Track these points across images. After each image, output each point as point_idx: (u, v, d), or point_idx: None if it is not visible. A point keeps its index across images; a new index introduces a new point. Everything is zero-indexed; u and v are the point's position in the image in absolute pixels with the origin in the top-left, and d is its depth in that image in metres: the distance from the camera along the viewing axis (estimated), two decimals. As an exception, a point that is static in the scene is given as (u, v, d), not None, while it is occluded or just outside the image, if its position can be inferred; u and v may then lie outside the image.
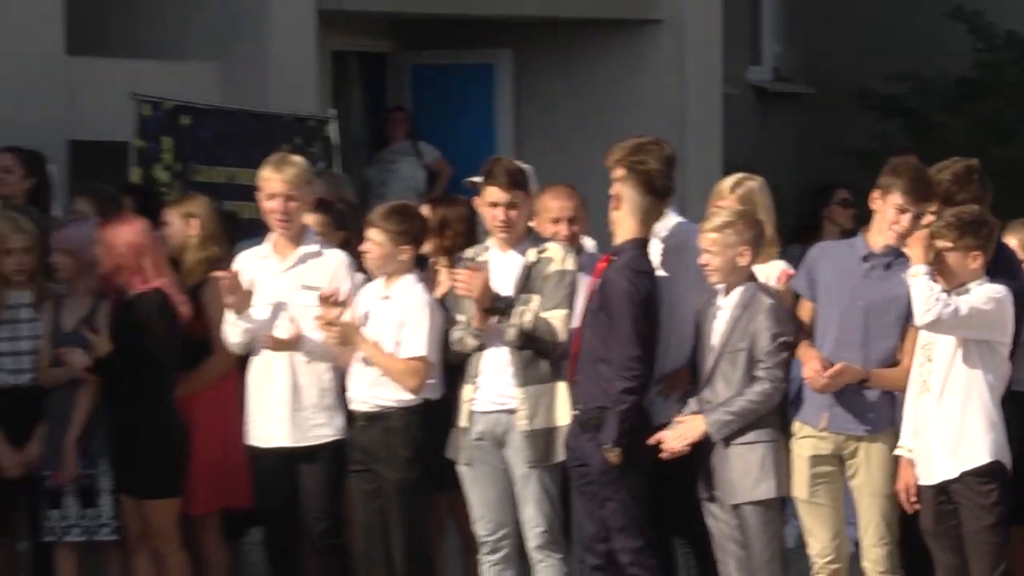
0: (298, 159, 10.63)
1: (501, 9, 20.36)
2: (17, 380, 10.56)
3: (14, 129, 14.61)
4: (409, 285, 10.11)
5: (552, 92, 20.78)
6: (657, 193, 9.57)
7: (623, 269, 9.50)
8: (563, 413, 9.81)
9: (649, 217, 9.59)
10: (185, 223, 10.73)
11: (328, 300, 9.96)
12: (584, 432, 9.57)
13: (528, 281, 9.86)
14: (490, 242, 10.06)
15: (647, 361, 9.47)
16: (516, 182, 9.95)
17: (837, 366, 9.40)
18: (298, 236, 10.33)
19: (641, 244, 9.59)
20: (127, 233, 10.40)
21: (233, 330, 10.24)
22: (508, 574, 10.04)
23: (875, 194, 9.68)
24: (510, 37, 20.99)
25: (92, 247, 10.43)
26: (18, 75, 16.66)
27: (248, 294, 10.12)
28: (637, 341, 9.41)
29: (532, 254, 9.92)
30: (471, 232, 10.60)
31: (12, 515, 10.86)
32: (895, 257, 9.52)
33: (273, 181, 10.24)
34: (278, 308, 10.23)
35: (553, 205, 10.22)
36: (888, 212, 9.56)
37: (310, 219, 10.47)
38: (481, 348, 9.94)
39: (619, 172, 9.60)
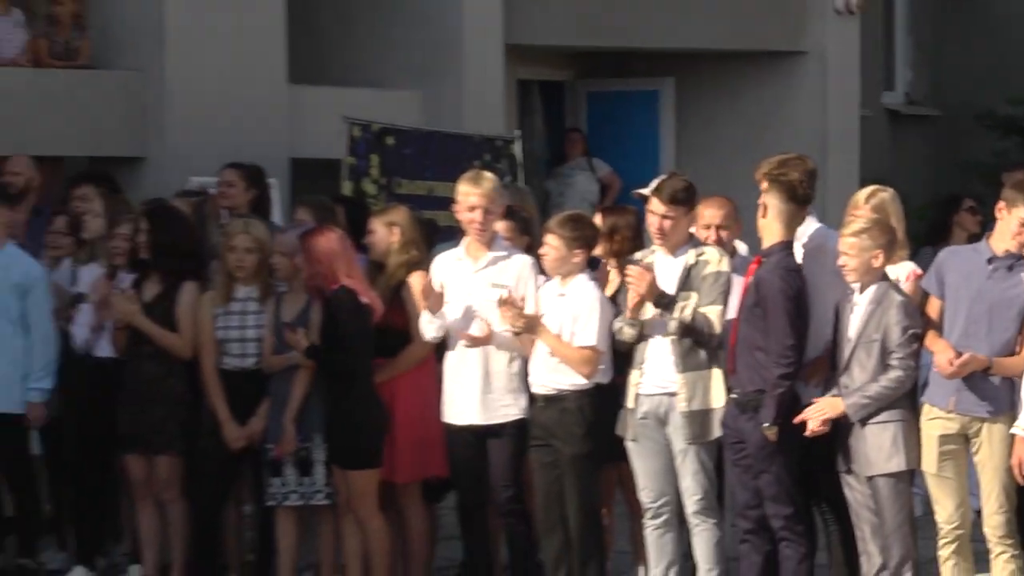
0: (490, 175, 10.69)
1: (665, 42, 20.35)
2: (243, 364, 10.71)
3: (243, 148, 14.76)
4: (582, 284, 10.17)
5: (709, 115, 20.72)
6: (799, 201, 9.60)
7: (776, 268, 9.53)
8: (718, 396, 9.82)
9: (792, 222, 9.62)
10: (388, 231, 10.80)
11: (508, 302, 10.05)
12: (742, 413, 9.59)
13: (688, 280, 9.85)
14: (656, 246, 10.08)
15: (799, 350, 9.50)
16: (676, 199, 9.92)
17: (964, 356, 9.38)
18: (489, 241, 10.41)
19: (787, 246, 9.62)
20: (322, 242, 10.52)
21: (428, 326, 10.34)
22: (668, 536, 10.05)
23: (1000, 205, 9.67)
24: (673, 67, 20.94)
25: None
26: (247, 100, 16.82)
27: (440, 296, 10.23)
28: (791, 332, 9.44)
29: (692, 256, 9.91)
30: (637, 237, 10.61)
31: (238, 482, 11.01)
32: (1016, 260, 9.51)
33: (470, 194, 10.33)
34: (470, 305, 10.30)
35: (706, 213, 10.25)
36: (1012, 223, 9.55)
37: (499, 226, 10.54)
38: (644, 338, 9.94)
39: (766, 184, 9.64)
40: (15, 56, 16.58)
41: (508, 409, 10.33)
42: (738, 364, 9.65)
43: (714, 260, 9.91)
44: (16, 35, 16.75)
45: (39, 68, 16.72)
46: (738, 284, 9.82)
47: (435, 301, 10.24)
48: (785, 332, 9.46)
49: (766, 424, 9.43)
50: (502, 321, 10.15)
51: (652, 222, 10.00)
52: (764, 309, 9.51)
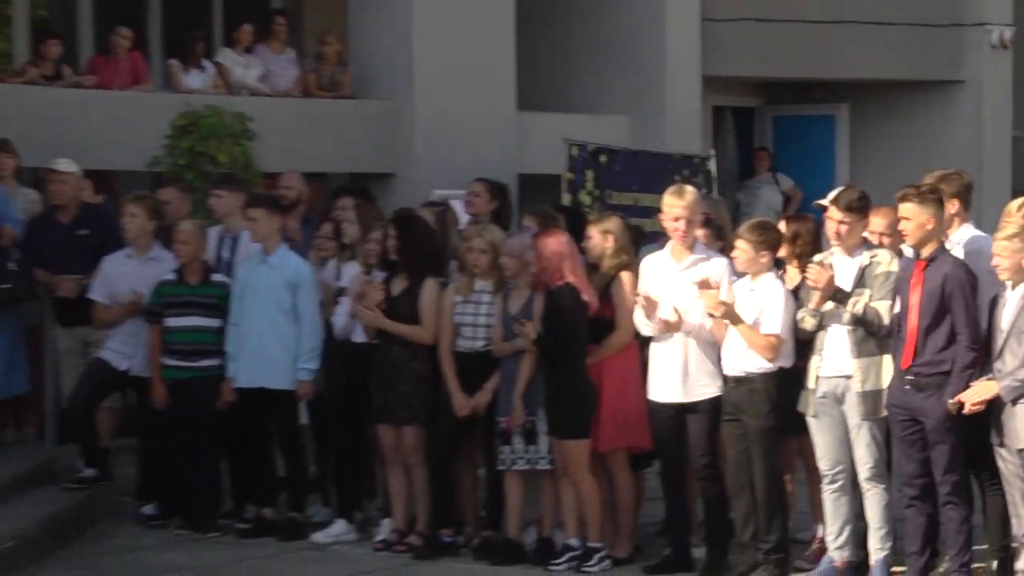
0: (691, 188, 10.62)
1: (841, 73, 20.30)
2: (473, 346, 10.73)
3: (478, 165, 14.82)
4: (769, 281, 10.09)
5: (879, 136, 20.52)
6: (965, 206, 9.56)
7: (959, 267, 9.45)
8: (887, 379, 9.70)
9: (945, 230, 9.62)
10: (603, 237, 10.78)
11: (706, 284, 10.00)
12: (920, 392, 9.45)
13: (862, 279, 9.76)
14: (835, 249, 9.99)
15: (980, 337, 9.39)
16: (852, 207, 9.85)
17: None
18: (691, 245, 10.37)
19: (945, 250, 9.53)
20: (553, 243, 10.54)
21: (644, 326, 10.34)
22: (843, 499, 9.94)
23: None
24: (848, 94, 20.80)
25: (529, 253, 10.58)
26: (481, 125, 16.91)
27: (655, 304, 10.22)
28: (975, 322, 9.34)
29: (866, 258, 9.82)
30: (816, 241, 10.51)
31: (471, 449, 11.04)
32: None
33: (675, 206, 10.30)
34: (672, 300, 10.25)
35: (873, 221, 10.14)
36: None
37: (698, 233, 10.49)
38: (823, 328, 9.85)
39: (926, 195, 9.57)
40: (289, 88, 16.84)
41: (705, 389, 10.27)
42: (920, 350, 9.49)
43: (885, 261, 9.82)
44: (290, 70, 17.01)
45: (308, 98, 16.96)
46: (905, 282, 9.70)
47: (651, 307, 10.23)
48: (972, 322, 9.35)
49: (951, 401, 9.29)
50: (702, 311, 10.10)
51: (830, 227, 9.93)
52: (951, 302, 9.38)
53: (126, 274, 11.82)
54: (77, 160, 12.78)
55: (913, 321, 9.49)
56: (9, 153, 13.09)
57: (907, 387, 9.52)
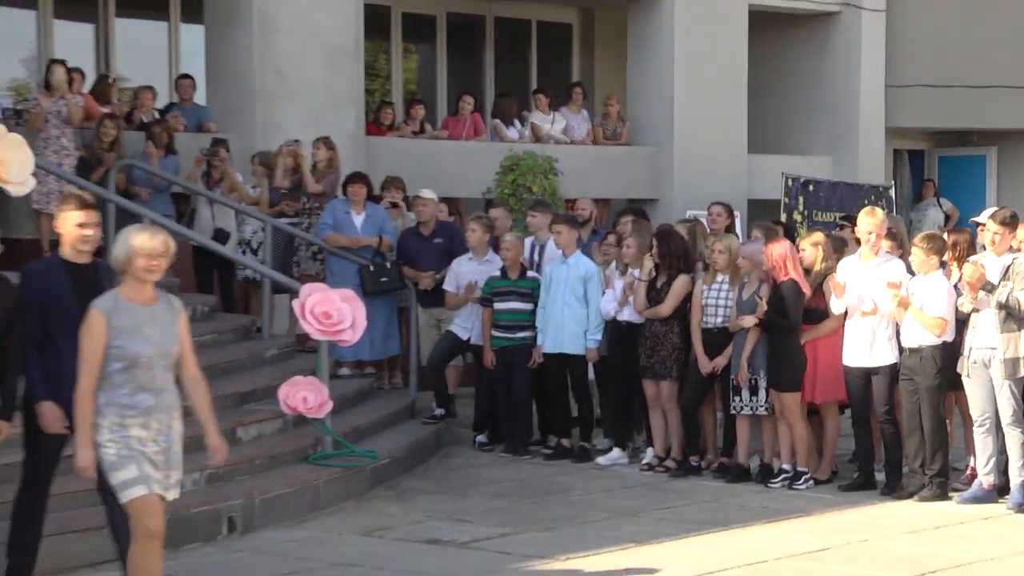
0: (880, 210, 10.43)
1: (990, 124, 19.72)
2: (714, 322, 10.47)
3: (719, 192, 14.69)
4: (937, 277, 9.75)
5: (1020, 172, 19.90)
6: None
7: None
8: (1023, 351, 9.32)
9: None
10: (814, 247, 10.51)
11: (893, 285, 9.70)
12: None
13: (1007, 275, 9.38)
14: (987, 252, 9.64)
15: None
16: (1004, 222, 9.59)
17: None
18: (877, 251, 10.06)
19: None
20: (779, 248, 10.30)
21: (837, 306, 10.03)
22: (990, 439, 9.53)
23: None
24: (996, 139, 20.20)
25: (759, 256, 10.37)
26: (721, 163, 16.93)
27: (843, 288, 9.92)
28: None
29: (1009, 259, 9.46)
30: (971, 248, 10.18)
31: (708, 396, 10.80)
32: None
33: (868, 223, 10.02)
34: (863, 292, 9.93)
35: (1020, 232, 9.78)
36: None
37: (884, 243, 10.17)
38: (976, 311, 9.47)
39: None
40: (583, 138, 16.91)
41: (886, 356, 9.93)
42: None
43: None
44: (583, 125, 17.08)
45: (597, 145, 16.99)
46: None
47: (839, 291, 9.93)
48: None
49: None
50: (887, 299, 9.76)
51: (986, 237, 9.68)
52: None
53: (468, 271, 11.89)
54: (435, 190, 12.94)
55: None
56: (399, 189, 13.22)
57: None
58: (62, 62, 13.16)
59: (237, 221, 13.00)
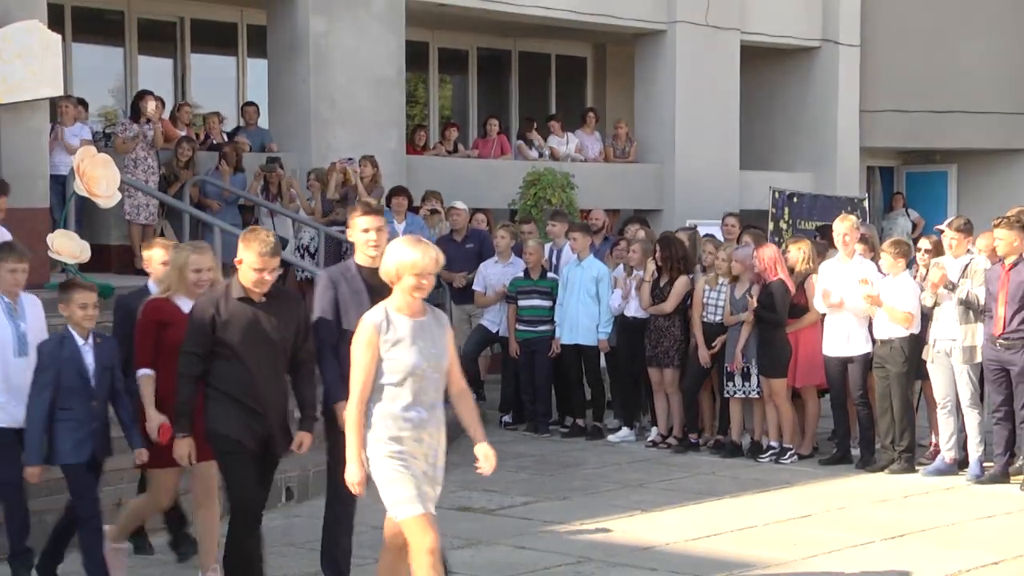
0: (852, 217, 10.33)
1: (952, 144, 19.61)
2: (714, 317, 10.37)
3: (714, 204, 14.64)
4: (904, 277, 9.67)
5: (977, 187, 19.73)
6: None
7: None
8: (980, 339, 9.21)
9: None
10: (798, 251, 10.44)
11: (863, 281, 9.63)
12: (1008, 350, 8.94)
13: (964, 272, 9.31)
14: (949, 254, 9.56)
15: None
16: (960, 229, 9.51)
17: None
18: (852, 254, 9.97)
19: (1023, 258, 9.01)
20: (768, 251, 10.25)
21: (821, 308, 9.96)
22: (951, 419, 9.45)
23: None
24: (957, 158, 20.05)
25: (750, 260, 10.30)
26: (715, 179, 16.81)
27: (829, 294, 9.83)
28: None
29: (966, 259, 9.41)
30: (939, 252, 10.03)
31: (706, 382, 10.70)
32: None
33: (842, 227, 9.95)
34: (839, 291, 9.85)
35: (978, 242, 9.70)
36: None
37: (858, 247, 10.07)
38: (938, 305, 9.40)
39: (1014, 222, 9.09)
40: (596, 157, 16.83)
41: (861, 346, 9.86)
42: (1008, 325, 8.94)
43: (980, 264, 9.35)
44: (596, 145, 17.05)
45: (608, 163, 16.91)
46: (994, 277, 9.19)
47: (826, 298, 9.84)
48: None
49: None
50: (858, 296, 9.69)
51: (945, 242, 9.59)
52: None
53: (495, 273, 11.86)
54: (466, 202, 12.92)
55: (1002, 306, 8.98)
56: (437, 199, 13.30)
57: (998, 347, 9.03)
58: (150, 93, 13.21)
59: (294, 229, 13.03)
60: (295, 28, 14.26)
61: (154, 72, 15.57)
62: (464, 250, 12.38)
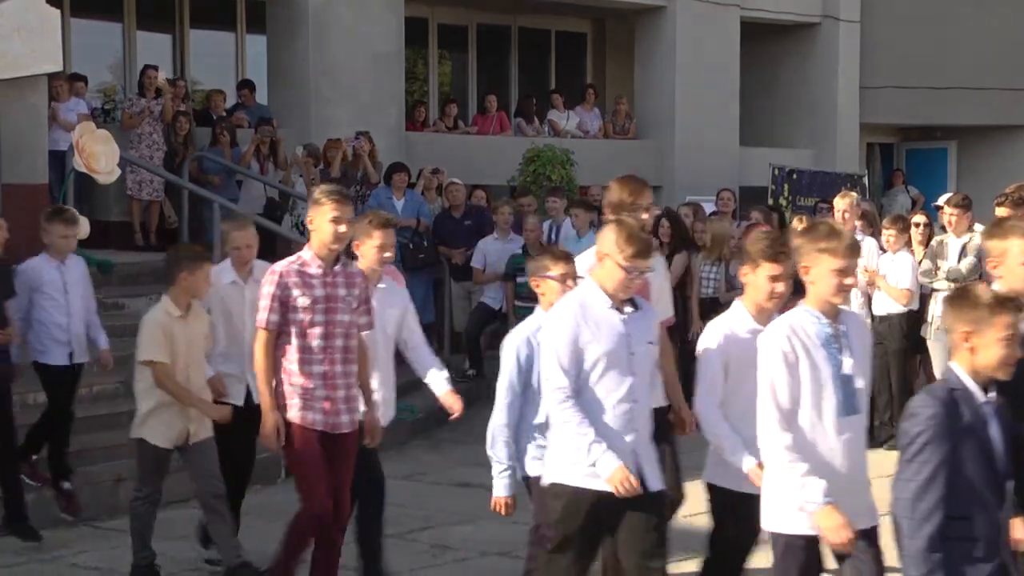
0: (853, 194, 10.33)
1: (951, 121, 19.53)
2: (707, 292, 10.41)
3: (714, 180, 14.58)
4: (903, 255, 9.71)
5: (977, 162, 19.70)
6: None
7: None
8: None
9: None
10: (800, 224, 10.46)
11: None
12: None
13: (963, 250, 9.32)
14: (949, 232, 9.55)
15: None
16: (959, 205, 9.48)
17: None
18: (851, 230, 9.96)
19: None
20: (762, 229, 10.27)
21: None
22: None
23: None
24: (957, 134, 20.05)
25: (729, 232, 10.31)
26: (717, 155, 16.74)
27: None
28: None
29: (968, 237, 9.39)
30: (931, 231, 10.08)
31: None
32: None
33: (842, 204, 9.95)
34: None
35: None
36: None
37: (856, 223, 10.05)
38: (934, 291, 9.43)
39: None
40: (595, 133, 16.77)
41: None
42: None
43: (979, 239, 9.33)
44: (596, 122, 16.98)
45: (607, 139, 16.86)
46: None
47: None
48: None
49: None
50: (859, 273, 9.69)
51: (944, 218, 9.55)
52: None
53: (493, 250, 11.83)
54: (465, 179, 12.88)
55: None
56: (440, 172, 13.27)
57: None
58: (155, 67, 13.15)
59: (290, 205, 12.96)
60: (294, 4, 14.20)
61: (153, 48, 15.50)
62: (463, 227, 12.35)
